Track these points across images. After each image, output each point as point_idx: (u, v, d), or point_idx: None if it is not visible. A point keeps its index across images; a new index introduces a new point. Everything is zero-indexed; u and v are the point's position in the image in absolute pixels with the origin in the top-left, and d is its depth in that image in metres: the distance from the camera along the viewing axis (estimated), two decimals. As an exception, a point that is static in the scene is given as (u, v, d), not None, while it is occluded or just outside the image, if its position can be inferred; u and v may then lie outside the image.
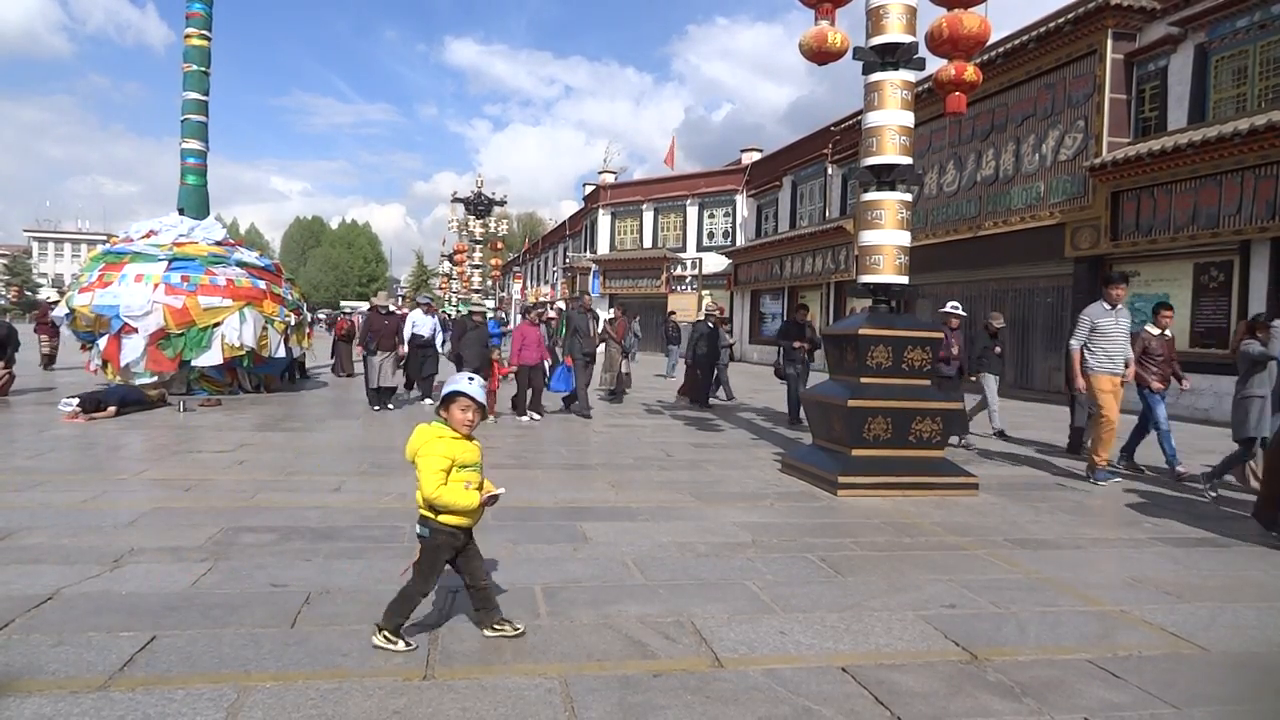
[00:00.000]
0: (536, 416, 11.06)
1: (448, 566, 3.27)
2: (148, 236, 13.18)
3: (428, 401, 12.12)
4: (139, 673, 2.89)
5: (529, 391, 11.14)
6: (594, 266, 37.72)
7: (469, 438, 3.24)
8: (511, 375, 11.30)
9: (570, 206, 69.59)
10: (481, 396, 3.21)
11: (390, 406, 11.59)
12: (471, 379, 3.26)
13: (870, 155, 6.90)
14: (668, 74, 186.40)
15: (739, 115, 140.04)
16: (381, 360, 11.64)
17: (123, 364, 11.76)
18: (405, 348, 12.04)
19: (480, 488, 3.23)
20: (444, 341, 14.02)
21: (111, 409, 9.95)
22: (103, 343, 11.99)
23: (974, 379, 10.31)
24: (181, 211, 14.00)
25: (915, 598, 3.98)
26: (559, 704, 2.76)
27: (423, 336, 12.36)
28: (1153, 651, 3.40)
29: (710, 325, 14.01)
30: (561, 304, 35.57)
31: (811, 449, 7.42)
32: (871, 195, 6.97)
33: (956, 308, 9.92)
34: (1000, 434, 10.29)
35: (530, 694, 2.83)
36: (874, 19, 6.80)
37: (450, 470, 3.16)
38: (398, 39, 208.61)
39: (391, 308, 12.66)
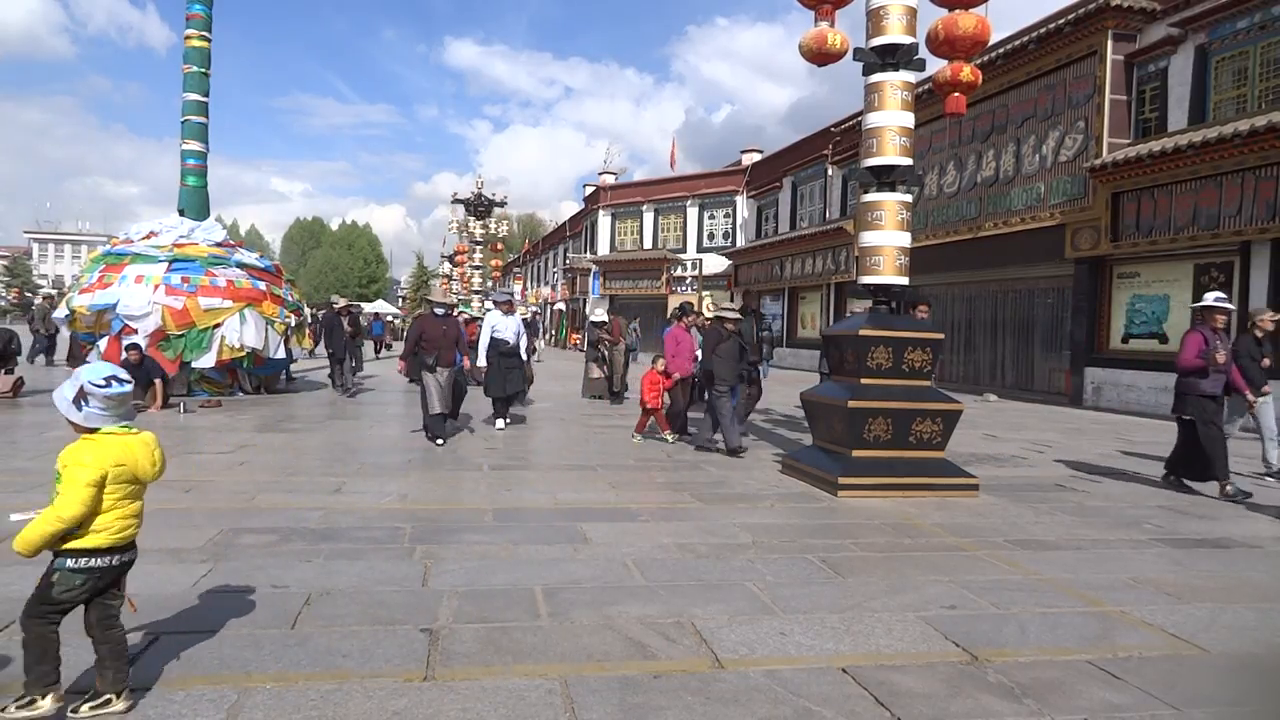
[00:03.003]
0: (678, 437, 9.36)
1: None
2: (148, 238, 13.19)
3: (500, 424, 10.01)
4: (139, 674, 2.89)
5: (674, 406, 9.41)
6: (594, 267, 37.73)
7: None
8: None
9: (570, 207, 69.63)
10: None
11: (440, 442, 8.54)
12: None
13: (870, 156, 6.91)
14: (668, 75, 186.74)
15: (739, 116, 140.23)
16: (441, 379, 8.80)
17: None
18: (481, 359, 9.74)
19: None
20: (530, 348, 11.40)
21: (158, 382, 10.59)
22: (103, 344, 12.00)
23: (1255, 399, 7.52)
24: (182, 213, 14.01)
25: (915, 598, 3.98)
26: (559, 705, 2.76)
27: (506, 343, 9.92)
28: (1153, 652, 3.40)
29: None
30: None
31: (812, 450, 7.42)
32: (872, 196, 6.97)
33: (1223, 300, 7.17)
34: (1277, 475, 7.71)
35: (531, 695, 2.83)
36: (874, 20, 6.80)
37: None
38: (397, 39, 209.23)
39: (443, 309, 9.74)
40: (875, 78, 6.84)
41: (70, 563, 2.52)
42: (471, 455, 8.05)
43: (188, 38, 14.14)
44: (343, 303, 14.44)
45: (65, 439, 2.70)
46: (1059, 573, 4.51)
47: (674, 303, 32.41)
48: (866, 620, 3.66)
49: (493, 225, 34.20)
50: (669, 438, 9.15)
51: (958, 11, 6.84)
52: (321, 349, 16.97)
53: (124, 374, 2.66)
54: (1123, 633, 3.63)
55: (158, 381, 10.68)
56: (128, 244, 13.18)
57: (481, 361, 9.79)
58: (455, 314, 10.21)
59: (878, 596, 4.00)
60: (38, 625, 2.50)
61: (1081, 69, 15.28)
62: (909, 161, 6.86)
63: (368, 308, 41.80)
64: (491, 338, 9.87)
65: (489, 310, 10.95)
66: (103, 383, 2.57)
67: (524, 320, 10.99)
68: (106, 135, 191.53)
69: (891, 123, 6.81)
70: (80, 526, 2.49)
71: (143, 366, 10.59)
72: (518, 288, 56.68)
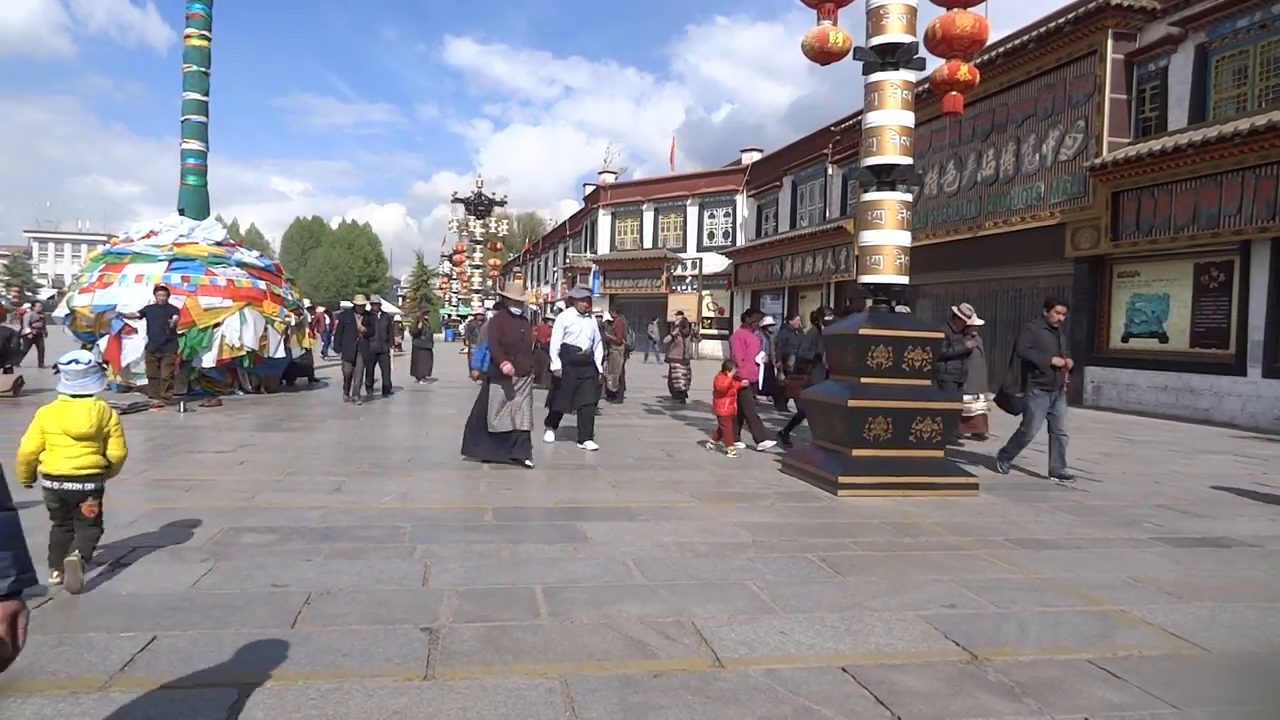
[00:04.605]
0: (769, 445, 8.65)
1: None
2: (148, 237, 13.20)
3: (590, 445, 8.44)
4: (139, 673, 2.89)
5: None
6: (594, 267, 37.72)
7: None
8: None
9: (570, 207, 69.62)
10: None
11: (530, 464, 7.28)
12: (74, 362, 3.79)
13: (870, 155, 6.90)
14: (668, 74, 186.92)
15: (739, 115, 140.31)
16: (519, 390, 7.39)
17: (123, 364, 11.77)
18: (555, 363, 8.33)
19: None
20: (605, 356, 10.03)
21: (176, 318, 11.19)
22: (103, 343, 12.00)
23: None
24: (182, 212, 14.01)
25: (915, 598, 3.98)
26: (559, 704, 2.76)
27: (580, 349, 8.44)
28: (1153, 651, 3.40)
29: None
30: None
31: (812, 449, 7.42)
32: (872, 195, 6.97)
33: None
34: None
35: (531, 694, 2.83)
36: (874, 19, 6.80)
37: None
38: (397, 39, 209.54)
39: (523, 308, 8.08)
40: (875, 77, 6.83)
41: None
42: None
43: (188, 37, 14.14)
44: (357, 300, 13.38)
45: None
46: (1059, 572, 4.51)
47: (675, 302, 32.50)
48: (866, 619, 3.66)
49: (493, 224, 34.21)
50: (730, 452, 8.36)
51: (956, 10, 6.84)
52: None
53: (84, 357, 3.83)
54: (1123, 632, 3.63)
55: (175, 317, 11.16)
56: (128, 243, 13.19)
57: (555, 365, 8.35)
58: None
59: (878, 595, 4.00)
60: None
61: (1081, 68, 15.28)
62: (909, 161, 6.86)
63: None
64: (563, 342, 8.43)
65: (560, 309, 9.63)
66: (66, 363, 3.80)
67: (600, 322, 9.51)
68: (106, 134, 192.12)
69: (891, 122, 6.81)
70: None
71: (167, 308, 11.02)
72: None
